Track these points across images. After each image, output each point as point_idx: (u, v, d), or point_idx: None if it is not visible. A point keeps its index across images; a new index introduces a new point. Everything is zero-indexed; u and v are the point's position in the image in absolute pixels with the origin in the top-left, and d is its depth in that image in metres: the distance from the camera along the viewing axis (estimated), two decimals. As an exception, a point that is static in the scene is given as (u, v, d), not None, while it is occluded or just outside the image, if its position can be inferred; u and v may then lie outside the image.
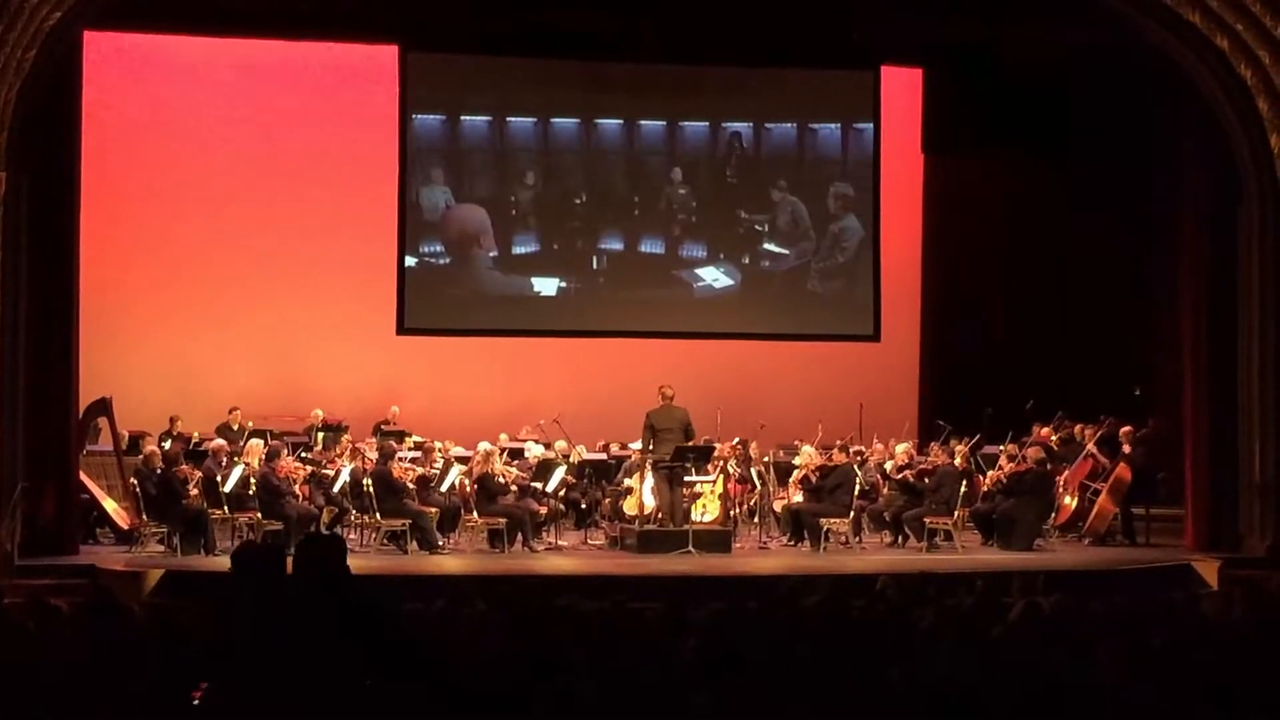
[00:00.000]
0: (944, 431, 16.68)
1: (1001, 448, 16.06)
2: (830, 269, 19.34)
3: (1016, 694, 5.75)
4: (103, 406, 15.16)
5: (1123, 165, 18.47)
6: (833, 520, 15.18)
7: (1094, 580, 12.80)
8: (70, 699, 5.74)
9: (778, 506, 16.05)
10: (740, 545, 15.40)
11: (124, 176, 18.06)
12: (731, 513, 15.71)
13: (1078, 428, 16.74)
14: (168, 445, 15.63)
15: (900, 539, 15.60)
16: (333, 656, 5.48)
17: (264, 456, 14.88)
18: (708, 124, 19.16)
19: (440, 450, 15.85)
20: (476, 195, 18.86)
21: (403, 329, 18.67)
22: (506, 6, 17.16)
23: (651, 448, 15.11)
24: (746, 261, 19.23)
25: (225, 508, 14.52)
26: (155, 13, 16.07)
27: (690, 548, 14.52)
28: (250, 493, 14.62)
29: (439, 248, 18.79)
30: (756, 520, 16.17)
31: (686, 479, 15.05)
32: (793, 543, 15.48)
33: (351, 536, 14.96)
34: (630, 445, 16.30)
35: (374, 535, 14.98)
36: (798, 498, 15.63)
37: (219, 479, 14.57)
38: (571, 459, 16.12)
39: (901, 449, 16.20)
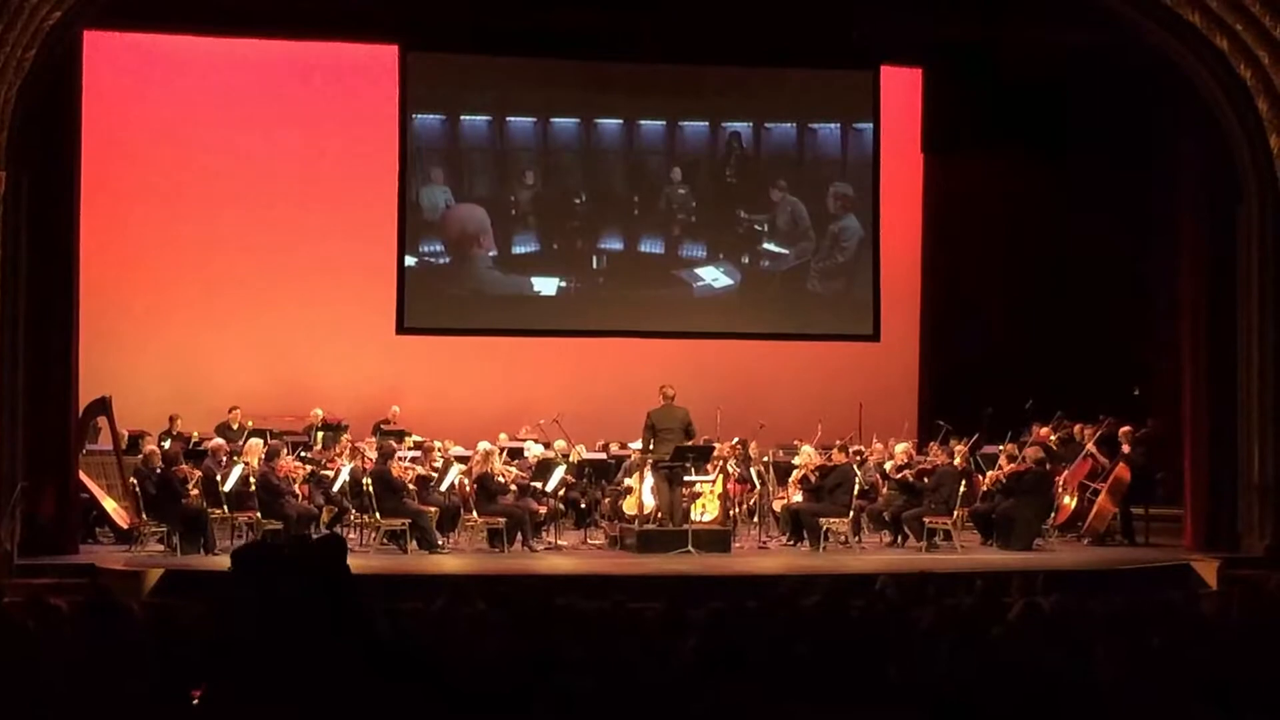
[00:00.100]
0: (943, 431, 16.69)
1: (1001, 447, 16.06)
2: (830, 269, 19.35)
3: (1016, 694, 5.76)
4: (102, 406, 15.17)
5: (1122, 165, 18.47)
6: (832, 520, 15.18)
7: (1093, 580, 12.80)
8: (70, 699, 5.74)
9: (777, 506, 16.05)
10: (740, 545, 15.41)
11: (124, 176, 18.06)
12: (731, 512, 15.71)
13: (1077, 427, 16.74)
14: (167, 444, 15.63)
15: (900, 539, 15.60)
16: (332, 656, 5.48)
17: (264, 456, 14.89)
18: (707, 124, 19.16)
19: (440, 450, 15.86)
20: (476, 195, 18.87)
21: (402, 329, 18.67)
22: (506, 6, 17.16)
23: (651, 447, 15.12)
24: (746, 261, 19.24)
25: (225, 507, 14.53)
26: (155, 13, 16.08)
27: (690, 547, 14.53)
28: (250, 492, 14.63)
29: (439, 247, 18.79)
30: (756, 520, 16.18)
31: (686, 479, 15.06)
32: (792, 542, 15.49)
33: (351, 536, 14.97)
34: (630, 445, 16.31)
35: (373, 535, 14.98)
36: (797, 497, 15.64)
37: (219, 478, 14.58)
38: (571, 458, 16.13)
39: (901, 449, 16.20)
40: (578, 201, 18.99)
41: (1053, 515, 16.01)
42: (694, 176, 19.12)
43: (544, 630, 6.88)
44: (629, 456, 16.16)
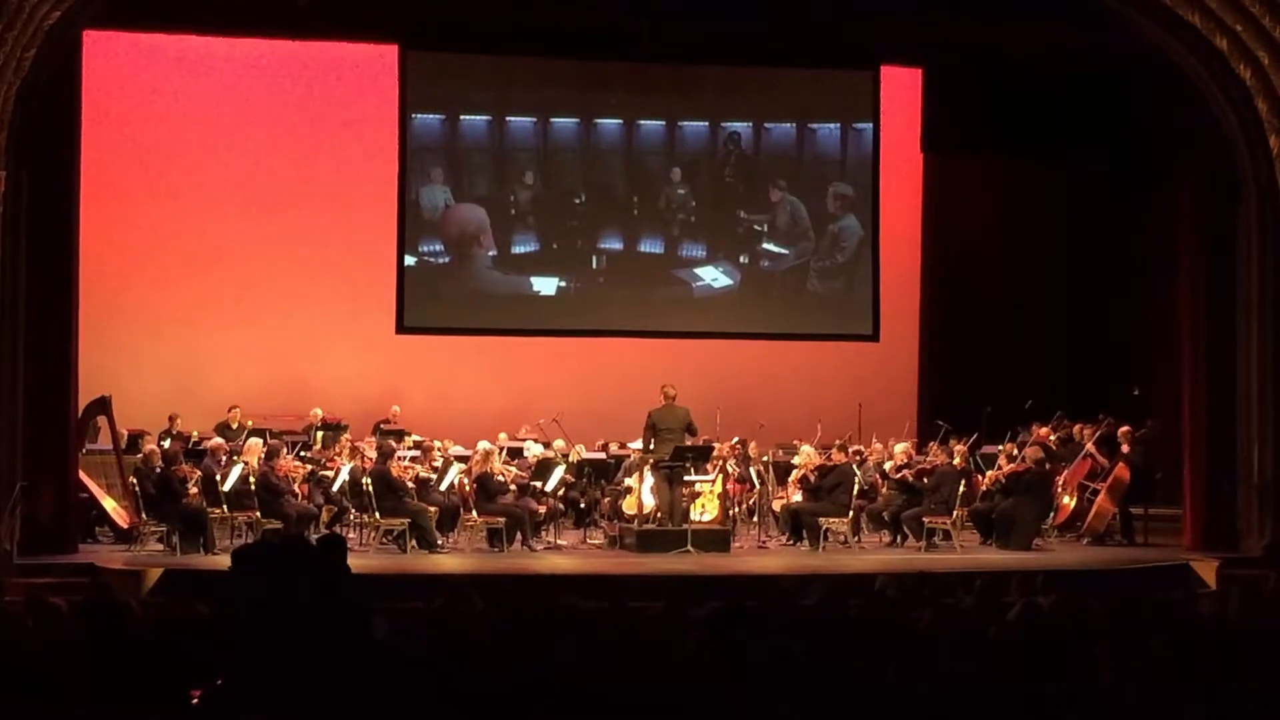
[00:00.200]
0: (943, 431, 16.69)
1: (1000, 447, 16.07)
2: (829, 269, 19.34)
3: (1015, 694, 5.76)
4: (102, 405, 15.17)
5: (1122, 166, 18.46)
6: (831, 520, 15.19)
7: (1092, 580, 12.80)
8: (70, 698, 5.74)
9: (777, 506, 16.05)
10: (739, 545, 15.41)
11: (124, 176, 18.06)
12: (730, 512, 15.71)
13: (1076, 427, 16.75)
14: (167, 444, 15.63)
15: (899, 538, 15.60)
16: (332, 656, 5.49)
17: (263, 455, 14.89)
18: (707, 124, 19.15)
19: (440, 449, 15.86)
20: (476, 194, 18.85)
21: (402, 328, 18.66)
22: (506, 6, 17.15)
23: (652, 447, 15.12)
24: (746, 261, 19.23)
25: (224, 506, 14.52)
26: (155, 12, 16.08)
27: (689, 547, 14.53)
28: (250, 491, 14.63)
29: (438, 247, 18.78)
30: (755, 520, 16.19)
31: (686, 478, 15.06)
32: (792, 542, 15.49)
33: (351, 536, 14.96)
34: (630, 445, 16.31)
35: (373, 534, 14.98)
36: (797, 497, 15.64)
37: (218, 478, 14.58)
38: (571, 458, 16.13)
39: (900, 448, 16.20)
40: (577, 201, 18.98)
41: (1052, 515, 16.01)
42: (693, 176, 19.11)
43: (544, 630, 6.88)
44: (628, 456, 16.16)
